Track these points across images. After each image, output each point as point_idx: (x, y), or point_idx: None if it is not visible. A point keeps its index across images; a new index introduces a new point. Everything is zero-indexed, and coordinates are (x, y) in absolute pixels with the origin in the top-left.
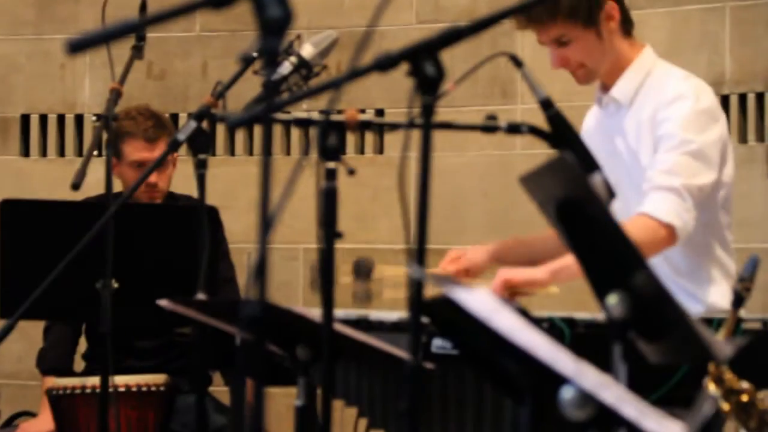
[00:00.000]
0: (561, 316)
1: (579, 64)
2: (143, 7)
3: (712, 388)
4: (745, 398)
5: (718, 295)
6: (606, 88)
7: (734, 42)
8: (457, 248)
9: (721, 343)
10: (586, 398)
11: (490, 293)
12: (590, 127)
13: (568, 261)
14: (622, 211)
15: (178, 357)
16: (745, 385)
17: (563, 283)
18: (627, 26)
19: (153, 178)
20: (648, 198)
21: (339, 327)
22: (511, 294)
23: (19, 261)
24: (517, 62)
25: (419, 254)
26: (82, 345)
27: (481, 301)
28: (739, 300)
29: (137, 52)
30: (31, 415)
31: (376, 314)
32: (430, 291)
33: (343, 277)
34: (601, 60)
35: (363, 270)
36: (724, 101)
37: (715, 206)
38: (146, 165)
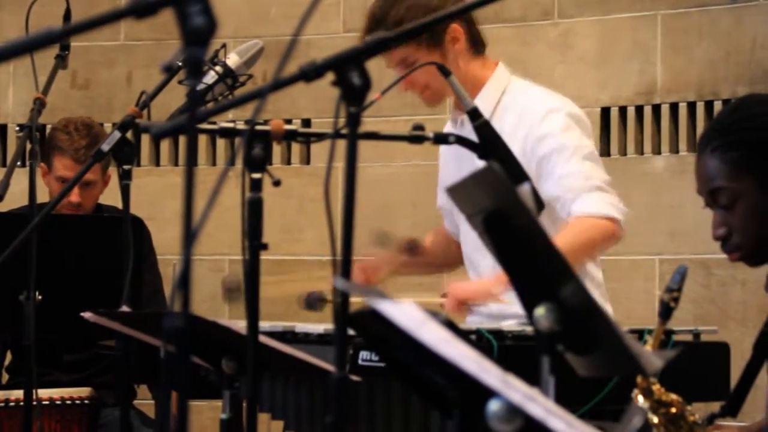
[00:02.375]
0: (488, 328)
1: (424, 86)
2: (67, 16)
3: (640, 400)
4: (673, 410)
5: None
6: (461, 107)
7: (666, 51)
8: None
9: (651, 356)
10: (514, 411)
11: (417, 306)
12: (447, 155)
13: None
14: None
15: (105, 370)
16: (673, 397)
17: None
18: (476, 47)
19: (75, 197)
20: (578, 201)
21: (264, 339)
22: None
23: None
24: (445, 72)
25: (345, 266)
26: (7, 358)
27: (407, 313)
28: (666, 311)
29: (61, 61)
30: None
31: (302, 326)
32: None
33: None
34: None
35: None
36: (656, 110)
37: None
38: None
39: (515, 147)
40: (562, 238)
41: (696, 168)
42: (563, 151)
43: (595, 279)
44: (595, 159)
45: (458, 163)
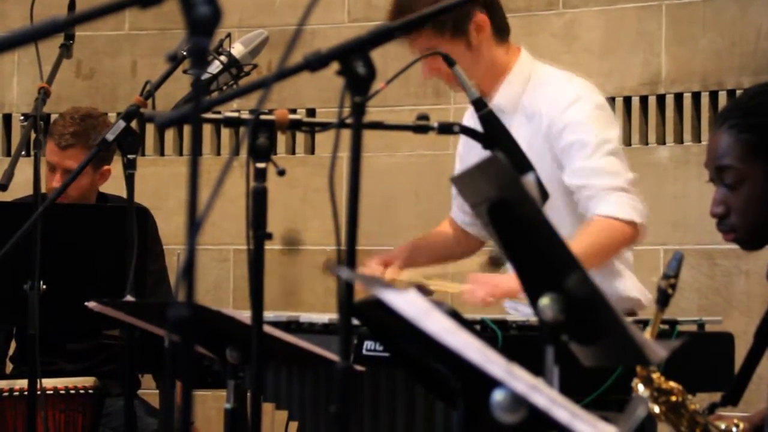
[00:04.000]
0: (493, 318)
1: (449, 74)
2: (72, 6)
3: (640, 389)
4: (674, 399)
5: (626, 285)
6: (484, 95)
7: (670, 41)
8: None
9: (655, 346)
10: (518, 401)
11: (420, 295)
12: (467, 146)
13: None
14: None
15: (109, 360)
16: (673, 385)
17: None
18: (501, 34)
19: (56, 183)
20: (600, 201)
21: (269, 329)
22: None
23: None
24: (450, 61)
25: (349, 256)
26: (11, 348)
27: (411, 303)
28: (664, 298)
29: (66, 50)
30: None
31: (306, 316)
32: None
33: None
34: (472, 69)
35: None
36: (660, 101)
37: None
38: (56, 168)
39: (541, 133)
40: (582, 238)
41: (709, 140)
42: (587, 143)
43: (626, 259)
44: (620, 155)
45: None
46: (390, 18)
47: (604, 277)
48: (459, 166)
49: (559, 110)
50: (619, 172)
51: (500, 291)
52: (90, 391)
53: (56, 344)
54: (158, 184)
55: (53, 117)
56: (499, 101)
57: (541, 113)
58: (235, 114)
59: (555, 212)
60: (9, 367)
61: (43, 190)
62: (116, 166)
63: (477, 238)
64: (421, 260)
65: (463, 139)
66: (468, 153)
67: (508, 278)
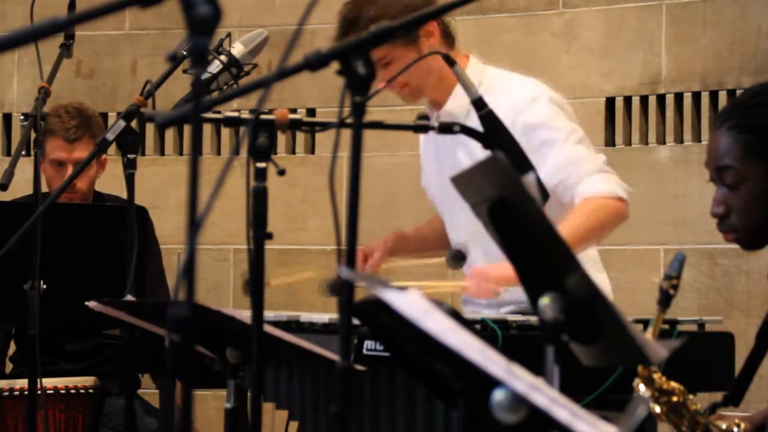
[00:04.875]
0: (493, 318)
1: (403, 84)
2: (72, 5)
3: (642, 389)
4: (675, 399)
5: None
6: (437, 104)
7: (671, 41)
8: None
9: (656, 345)
10: (519, 401)
11: (421, 294)
12: (427, 149)
13: None
14: (465, 223)
15: (109, 360)
16: (674, 385)
17: None
18: (449, 40)
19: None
20: (583, 183)
21: (269, 329)
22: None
23: None
24: (450, 61)
25: (349, 255)
26: (10, 347)
27: (411, 302)
28: (666, 298)
29: (66, 50)
30: None
31: (306, 316)
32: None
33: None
34: (425, 77)
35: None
36: (660, 100)
37: None
38: (65, 164)
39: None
40: (571, 220)
41: (709, 141)
42: (556, 138)
43: (591, 258)
44: (587, 143)
45: (437, 160)
46: (339, 34)
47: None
48: (424, 165)
49: (518, 112)
50: (592, 156)
51: (504, 280)
52: (90, 391)
53: (56, 344)
54: (158, 183)
55: None
56: (451, 107)
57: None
58: (236, 114)
59: None
60: (9, 367)
61: (47, 190)
62: (116, 166)
63: None
64: (409, 250)
65: (423, 140)
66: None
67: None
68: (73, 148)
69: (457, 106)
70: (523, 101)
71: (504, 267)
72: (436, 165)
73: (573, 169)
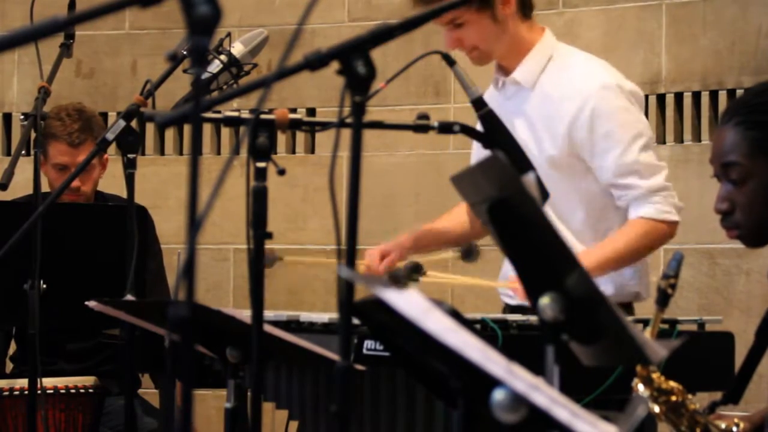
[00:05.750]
0: (493, 317)
1: (473, 47)
2: (72, 5)
3: (641, 388)
4: (674, 399)
5: (627, 276)
6: (504, 70)
7: (671, 40)
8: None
9: (656, 345)
10: (518, 401)
11: (421, 294)
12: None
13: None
14: None
15: (108, 360)
16: (673, 384)
17: None
18: (526, 10)
19: (75, 182)
20: (644, 202)
21: (269, 329)
22: None
23: None
24: (450, 61)
25: (349, 255)
26: (10, 347)
27: (411, 302)
28: (664, 298)
29: (66, 50)
30: None
31: (306, 316)
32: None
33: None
34: (496, 43)
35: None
36: (660, 100)
37: None
38: (69, 168)
39: (563, 118)
40: (621, 237)
41: (714, 137)
42: (622, 137)
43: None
44: (653, 146)
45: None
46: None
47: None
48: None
49: (587, 97)
50: (657, 168)
51: None
52: (90, 391)
53: (56, 344)
54: (158, 183)
55: None
56: (518, 76)
57: (564, 97)
58: (236, 113)
59: (561, 195)
60: (9, 366)
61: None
62: (116, 166)
63: None
64: (428, 246)
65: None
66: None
67: None
68: (77, 153)
69: (526, 73)
70: (593, 86)
71: None
72: None
73: (636, 181)
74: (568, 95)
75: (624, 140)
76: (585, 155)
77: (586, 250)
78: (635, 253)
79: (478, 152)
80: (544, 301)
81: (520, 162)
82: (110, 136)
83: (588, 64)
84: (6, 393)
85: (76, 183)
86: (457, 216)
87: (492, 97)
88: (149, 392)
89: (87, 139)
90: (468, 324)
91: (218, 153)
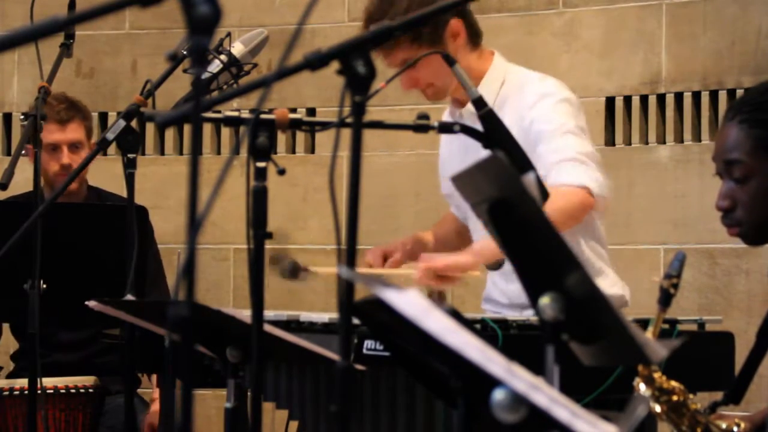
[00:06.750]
0: (493, 318)
1: (428, 84)
2: (72, 5)
3: (642, 388)
4: (675, 398)
5: (607, 283)
6: (459, 102)
7: (671, 40)
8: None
9: (656, 345)
10: (519, 400)
11: (421, 294)
12: (451, 153)
13: (486, 240)
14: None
15: (104, 351)
16: (675, 384)
17: (487, 261)
18: (475, 39)
19: (66, 159)
20: (552, 173)
21: (269, 328)
22: (437, 280)
23: None
24: (450, 61)
25: (349, 255)
26: (11, 346)
27: (411, 302)
28: (666, 297)
29: (66, 50)
30: None
31: (306, 315)
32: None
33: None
34: (450, 78)
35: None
36: (660, 100)
37: None
38: (60, 147)
39: (514, 134)
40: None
41: (718, 133)
42: (546, 132)
43: (602, 256)
44: (578, 133)
45: (464, 156)
46: (364, 26)
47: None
48: (447, 166)
49: (528, 106)
50: (570, 145)
51: (451, 268)
52: (90, 390)
53: (50, 336)
54: (158, 183)
55: None
56: (473, 107)
57: (512, 112)
58: (236, 113)
59: None
60: (10, 366)
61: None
62: (116, 165)
63: None
64: (424, 252)
65: (445, 143)
66: (450, 156)
67: (456, 254)
68: (66, 130)
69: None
70: (530, 101)
71: (453, 255)
72: (462, 164)
73: (549, 160)
74: (517, 114)
75: (551, 129)
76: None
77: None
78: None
79: (448, 154)
80: (544, 301)
81: (520, 162)
82: (110, 136)
83: (533, 80)
84: (6, 393)
85: (66, 160)
86: (447, 228)
87: (454, 137)
88: (149, 392)
89: (74, 117)
90: (468, 324)
91: (218, 153)
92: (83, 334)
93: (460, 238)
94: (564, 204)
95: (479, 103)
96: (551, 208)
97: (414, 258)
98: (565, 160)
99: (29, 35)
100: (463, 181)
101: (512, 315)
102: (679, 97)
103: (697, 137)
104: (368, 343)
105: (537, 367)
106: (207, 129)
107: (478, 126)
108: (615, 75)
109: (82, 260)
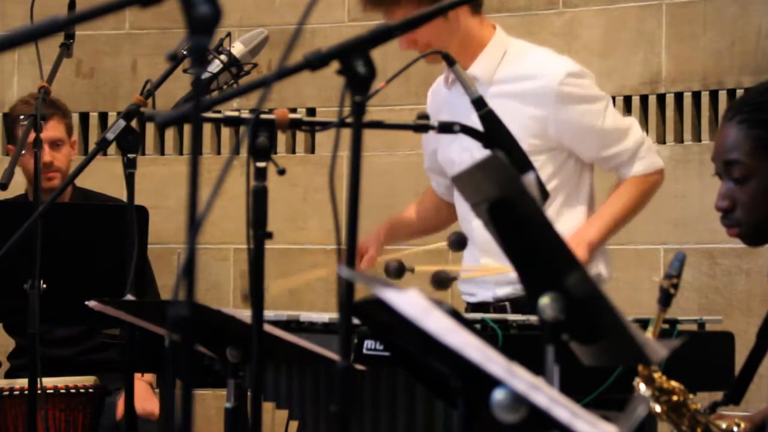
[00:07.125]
0: (493, 317)
1: (426, 45)
2: (72, 5)
3: (642, 388)
4: (675, 398)
5: (601, 266)
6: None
7: (671, 40)
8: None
9: (656, 345)
10: (519, 400)
11: (421, 294)
12: (435, 108)
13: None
14: None
15: (100, 346)
16: (675, 384)
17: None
18: (475, 4)
19: (47, 157)
20: (632, 163)
21: (269, 328)
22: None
23: None
24: (450, 61)
25: (350, 255)
26: (8, 345)
27: (411, 302)
28: (666, 297)
29: (66, 50)
30: None
31: (306, 315)
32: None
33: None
34: (449, 41)
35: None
36: (660, 100)
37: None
38: (41, 143)
39: (525, 97)
40: (620, 198)
41: (718, 134)
42: (594, 112)
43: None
44: (610, 102)
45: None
46: (364, 4)
47: (603, 258)
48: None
49: (551, 78)
50: (627, 125)
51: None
52: (90, 390)
53: (45, 331)
54: (158, 183)
55: None
56: (474, 72)
57: (527, 76)
58: (236, 113)
59: None
60: (8, 366)
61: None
62: (116, 165)
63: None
64: (402, 237)
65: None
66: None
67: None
68: (46, 128)
69: (482, 69)
70: (559, 70)
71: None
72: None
73: (618, 148)
74: (530, 75)
75: (598, 117)
76: (551, 132)
77: (588, 220)
78: (635, 210)
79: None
80: (544, 301)
81: (520, 162)
82: (110, 136)
83: (540, 55)
84: (6, 393)
85: (47, 158)
86: (426, 204)
87: (440, 96)
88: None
89: (54, 114)
90: (468, 324)
91: (218, 153)
92: (79, 330)
93: (438, 216)
94: (646, 192)
95: (479, 103)
96: (637, 194)
97: (389, 244)
98: (638, 147)
99: (29, 35)
100: (463, 181)
101: (512, 315)
102: (679, 97)
103: (697, 137)
104: (368, 343)
105: (537, 367)
106: (207, 129)
107: (483, 87)
108: (615, 75)
109: (82, 260)
